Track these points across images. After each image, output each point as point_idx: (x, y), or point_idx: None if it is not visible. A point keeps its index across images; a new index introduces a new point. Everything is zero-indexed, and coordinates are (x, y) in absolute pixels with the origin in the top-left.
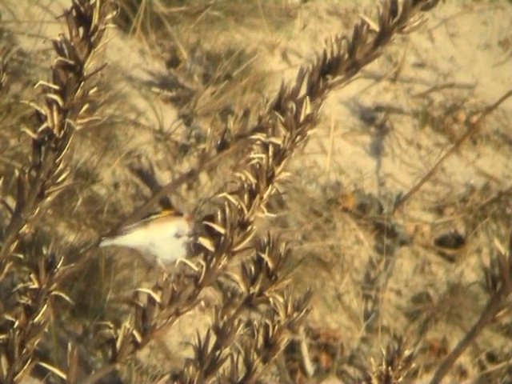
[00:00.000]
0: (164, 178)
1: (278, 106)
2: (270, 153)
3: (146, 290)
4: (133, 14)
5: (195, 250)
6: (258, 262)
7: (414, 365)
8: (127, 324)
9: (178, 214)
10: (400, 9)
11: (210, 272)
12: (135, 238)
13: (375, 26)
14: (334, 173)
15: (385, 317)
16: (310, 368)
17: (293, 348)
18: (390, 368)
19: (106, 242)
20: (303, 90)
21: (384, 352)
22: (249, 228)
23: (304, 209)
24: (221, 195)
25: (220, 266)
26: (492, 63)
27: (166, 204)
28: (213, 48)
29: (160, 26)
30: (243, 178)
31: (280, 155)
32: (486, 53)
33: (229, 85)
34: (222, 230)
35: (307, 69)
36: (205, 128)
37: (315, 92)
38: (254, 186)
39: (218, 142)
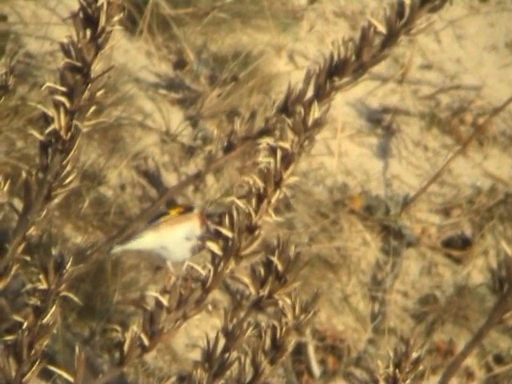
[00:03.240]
0: (170, 179)
1: (285, 108)
2: (278, 157)
3: (153, 293)
4: (139, 16)
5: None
6: (268, 264)
7: (421, 367)
8: (135, 327)
9: (188, 211)
10: (407, 11)
11: (217, 276)
12: (146, 241)
13: (382, 28)
14: (341, 174)
15: (392, 318)
16: (316, 370)
17: (299, 350)
18: (397, 370)
19: (116, 249)
20: (310, 92)
21: (391, 354)
22: (256, 232)
23: (311, 211)
24: (229, 199)
25: (227, 270)
26: (499, 65)
27: (172, 202)
28: (219, 50)
29: (166, 27)
30: (251, 182)
31: (288, 159)
32: (493, 54)
33: (235, 86)
34: (229, 234)
35: (314, 71)
36: (211, 130)
37: (322, 94)
38: (261, 190)
39: (225, 144)
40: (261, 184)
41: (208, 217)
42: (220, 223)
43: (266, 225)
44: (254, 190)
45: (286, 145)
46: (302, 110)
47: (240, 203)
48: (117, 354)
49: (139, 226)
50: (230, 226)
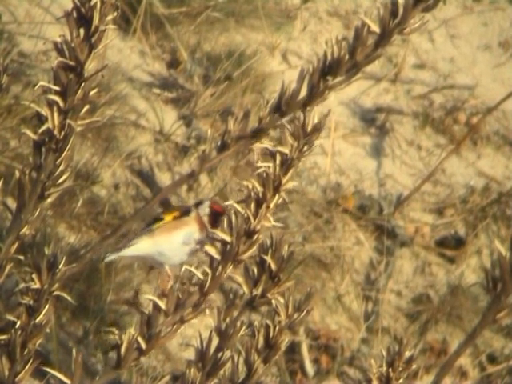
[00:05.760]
0: (164, 179)
1: (278, 108)
2: (278, 162)
3: (151, 297)
4: (133, 15)
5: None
6: (261, 263)
7: (414, 366)
8: (132, 330)
9: (185, 214)
10: (400, 10)
11: (215, 280)
12: (141, 248)
13: (376, 28)
14: (335, 174)
15: (385, 318)
16: (310, 369)
17: (293, 349)
18: (390, 369)
19: (111, 256)
20: (303, 92)
21: (384, 353)
22: (255, 237)
23: (304, 210)
24: (228, 203)
25: (225, 274)
26: (492, 64)
27: (167, 205)
28: (213, 49)
29: (160, 27)
30: (250, 186)
31: (287, 164)
32: (486, 54)
33: (229, 86)
34: (228, 239)
35: (307, 70)
36: (205, 129)
37: (315, 93)
38: (260, 194)
39: (218, 143)
40: (260, 189)
41: (196, 205)
42: (214, 219)
43: (263, 229)
44: (252, 194)
45: (286, 150)
46: (302, 116)
47: (239, 207)
48: (114, 357)
49: (133, 227)
50: (229, 231)
